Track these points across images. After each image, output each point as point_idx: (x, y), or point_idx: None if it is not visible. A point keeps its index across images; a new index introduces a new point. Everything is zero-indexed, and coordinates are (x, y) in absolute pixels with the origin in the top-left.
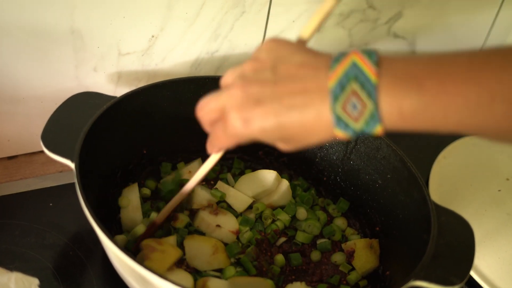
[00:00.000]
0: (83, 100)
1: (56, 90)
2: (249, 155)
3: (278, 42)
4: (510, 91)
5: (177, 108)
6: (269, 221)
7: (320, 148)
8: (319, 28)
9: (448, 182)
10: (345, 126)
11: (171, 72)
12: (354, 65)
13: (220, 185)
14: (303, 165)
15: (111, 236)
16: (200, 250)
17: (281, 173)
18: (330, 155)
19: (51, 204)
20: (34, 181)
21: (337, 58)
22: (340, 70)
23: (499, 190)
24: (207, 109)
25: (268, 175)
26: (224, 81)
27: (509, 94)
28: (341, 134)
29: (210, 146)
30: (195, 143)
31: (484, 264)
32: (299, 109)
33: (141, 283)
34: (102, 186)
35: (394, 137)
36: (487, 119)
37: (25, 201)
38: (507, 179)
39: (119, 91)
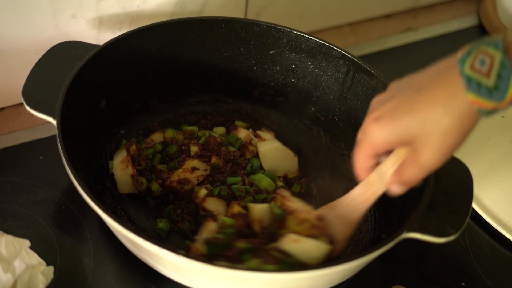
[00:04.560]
0: (64, 51)
1: (36, 41)
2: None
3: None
4: None
5: (164, 52)
6: None
7: (316, 87)
8: None
9: None
10: (477, 86)
11: (155, 12)
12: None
13: None
14: (299, 105)
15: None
16: None
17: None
18: (327, 94)
19: (41, 158)
20: (23, 134)
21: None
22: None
23: (503, 117)
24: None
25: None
26: None
27: None
28: (476, 99)
29: None
30: (185, 85)
31: (487, 196)
32: (413, 112)
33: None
34: (89, 138)
35: (391, 76)
36: None
37: (15, 156)
38: None
39: (102, 36)
